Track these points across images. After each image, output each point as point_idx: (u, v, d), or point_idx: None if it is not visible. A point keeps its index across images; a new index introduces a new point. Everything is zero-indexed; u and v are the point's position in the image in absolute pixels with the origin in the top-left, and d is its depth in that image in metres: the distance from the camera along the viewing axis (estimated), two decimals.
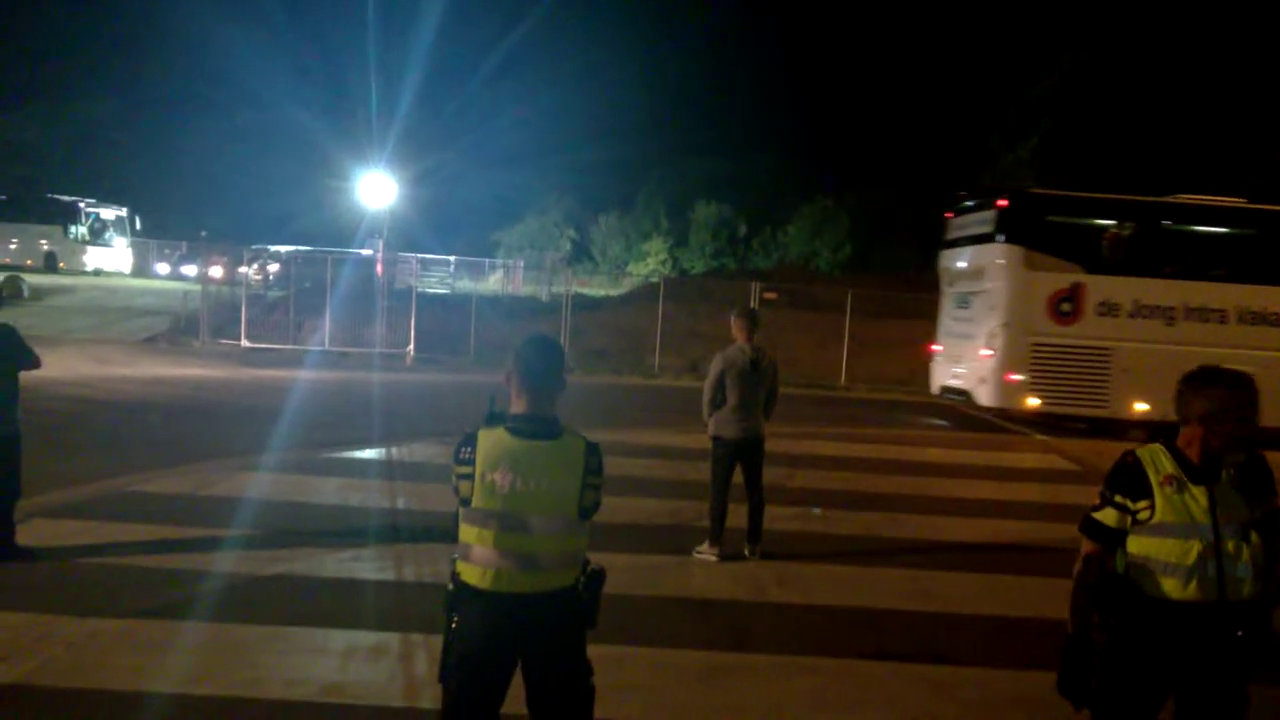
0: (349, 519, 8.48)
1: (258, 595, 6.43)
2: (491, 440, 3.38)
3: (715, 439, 7.92)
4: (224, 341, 22.90)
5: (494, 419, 3.45)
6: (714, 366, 7.87)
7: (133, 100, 67.92)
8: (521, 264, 48.14)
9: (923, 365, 24.91)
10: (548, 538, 3.36)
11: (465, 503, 3.38)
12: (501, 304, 31.67)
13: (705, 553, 7.80)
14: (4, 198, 42.66)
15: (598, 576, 3.48)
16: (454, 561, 3.44)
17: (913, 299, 27.37)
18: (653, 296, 27.79)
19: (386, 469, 10.88)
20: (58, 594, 6.18)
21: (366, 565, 7.21)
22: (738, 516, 7.92)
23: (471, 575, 3.36)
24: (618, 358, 25.11)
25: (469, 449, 3.37)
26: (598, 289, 40.12)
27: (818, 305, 29.25)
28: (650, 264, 58.89)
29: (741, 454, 7.88)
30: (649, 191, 64.08)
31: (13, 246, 39.38)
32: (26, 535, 7.03)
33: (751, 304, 23.09)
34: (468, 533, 3.38)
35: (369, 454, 11.68)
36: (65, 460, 9.66)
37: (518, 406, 3.46)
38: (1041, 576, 7.71)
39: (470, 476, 3.35)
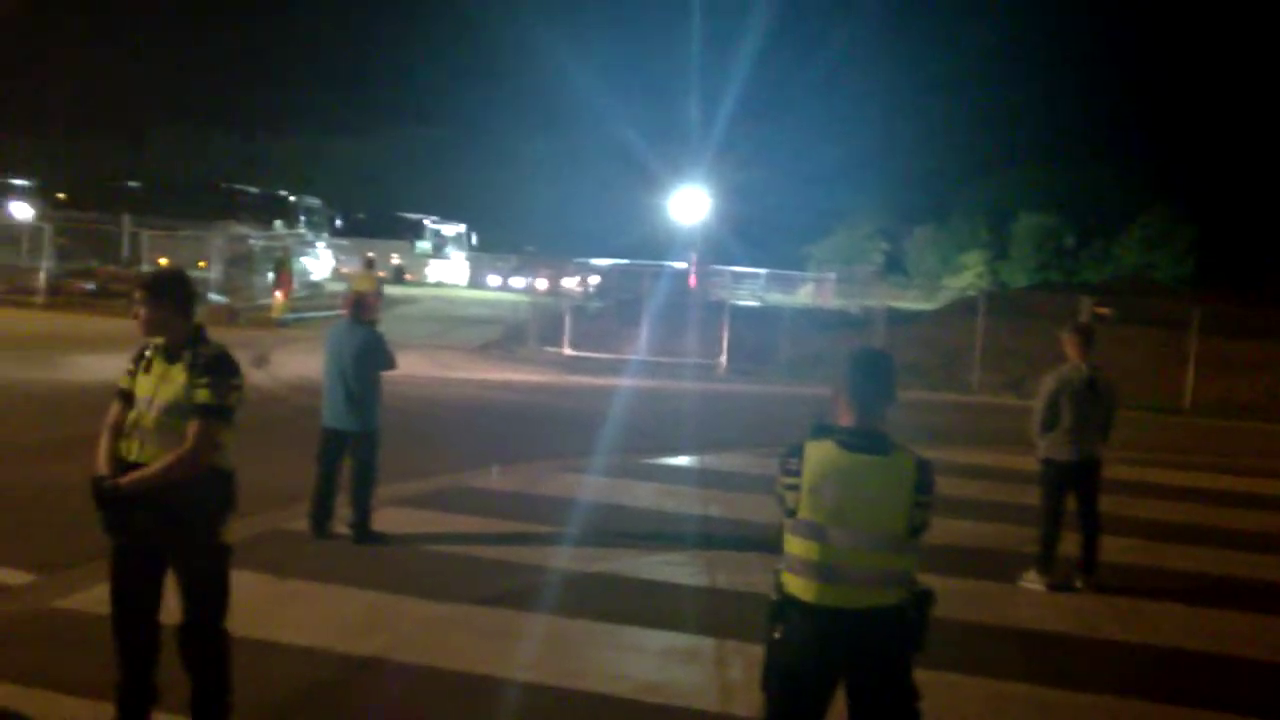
0: (665, 524, 8.70)
1: (581, 591, 6.72)
2: (820, 452, 3.33)
3: (1046, 461, 7.47)
4: (549, 349, 24.18)
5: (822, 431, 3.40)
6: (1046, 385, 7.44)
7: (469, 126, 74.02)
8: (833, 277, 47.77)
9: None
10: (873, 553, 3.28)
11: (790, 513, 3.35)
12: (813, 317, 31.50)
13: (1033, 581, 7.36)
14: (362, 216, 47.66)
15: (927, 597, 3.36)
16: (778, 573, 3.42)
17: (1268, 317, 24.76)
18: (969, 311, 26.70)
19: (700, 477, 11.07)
20: (406, 577, 6.72)
21: (682, 569, 7.36)
22: (1069, 544, 7.44)
23: (796, 587, 3.33)
24: (932, 373, 24.32)
25: (796, 460, 3.34)
26: (910, 303, 39.10)
27: (1153, 321, 26.97)
28: (967, 277, 56.90)
29: (1075, 478, 7.40)
30: (966, 202, 62.02)
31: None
32: (379, 522, 7.68)
33: (1082, 319, 21.67)
34: (792, 544, 3.35)
35: (684, 461, 11.94)
36: (412, 455, 10.50)
37: (846, 420, 3.39)
38: None
39: (797, 487, 3.32)
